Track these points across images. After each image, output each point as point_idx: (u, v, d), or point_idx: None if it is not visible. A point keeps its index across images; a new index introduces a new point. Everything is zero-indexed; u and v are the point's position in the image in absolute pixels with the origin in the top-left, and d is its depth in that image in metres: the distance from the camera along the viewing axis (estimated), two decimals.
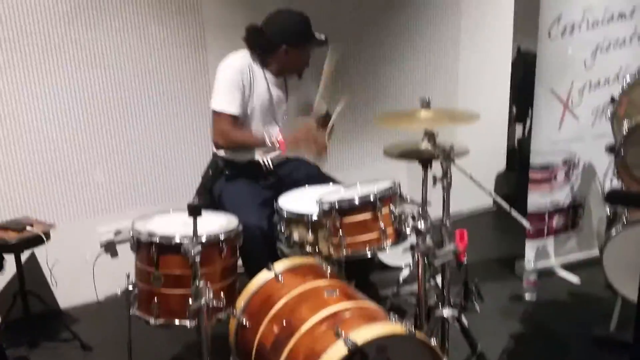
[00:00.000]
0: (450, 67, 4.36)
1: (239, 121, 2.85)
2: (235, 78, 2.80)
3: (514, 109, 4.82)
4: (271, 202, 2.81)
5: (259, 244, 2.68)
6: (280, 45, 2.84)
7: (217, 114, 2.82)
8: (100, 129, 3.33)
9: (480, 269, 3.37)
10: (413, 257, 2.51)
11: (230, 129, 2.81)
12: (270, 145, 2.79)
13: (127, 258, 3.37)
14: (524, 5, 4.45)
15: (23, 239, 2.85)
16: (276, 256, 2.81)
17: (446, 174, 2.39)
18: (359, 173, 4.07)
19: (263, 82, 2.90)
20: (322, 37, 2.90)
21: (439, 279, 2.90)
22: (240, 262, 2.62)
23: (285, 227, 2.61)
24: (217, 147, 2.92)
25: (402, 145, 2.91)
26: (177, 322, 2.36)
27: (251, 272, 2.73)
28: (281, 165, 3.06)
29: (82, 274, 3.37)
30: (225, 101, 2.79)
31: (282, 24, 2.87)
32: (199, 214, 2.02)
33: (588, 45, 3.31)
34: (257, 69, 2.89)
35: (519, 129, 4.94)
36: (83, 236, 3.34)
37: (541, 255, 3.50)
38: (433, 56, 4.28)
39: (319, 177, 3.02)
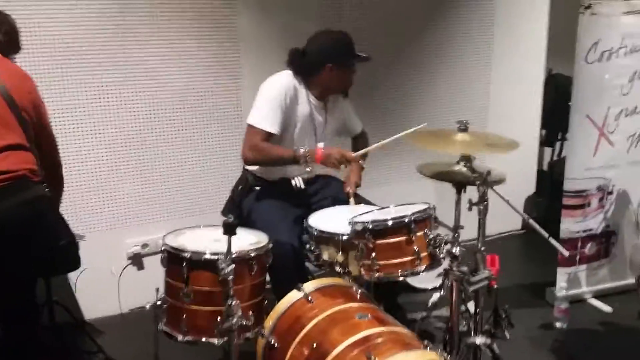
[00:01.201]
0: (482, 88, 4.33)
1: (274, 140, 2.80)
2: (279, 97, 2.76)
3: (544, 132, 4.76)
4: (301, 220, 2.78)
5: (289, 261, 2.65)
6: (324, 64, 2.81)
7: (251, 128, 2.76)
8: (131, 141, 3.34)
9: (510, 295, 3.32)
10: (444, 282, 2.48)
11: (260, 143, 2.75)
12: (303, 156, 2.70)
13: (151, 271, 3.40)
14: (557, 28, 4.41)
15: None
16: (305, 275, 2.78)
17: (483, 199, 2.34)
18: (386, 191, 4.03)
19: (307, 105, 2.87)
20: (364, 54, 2.88)
21: (469, 305, 2.86)
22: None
23: (315, 246, 2.58)
24: (246, 161, 2.85)
25: (435, 165, 2.88)
26: (204, 339, 2.34)
27: (279, 290, 2.70)
28: (311, 183, 3.04)
29: (108, 285, 3.39)
30: (264, 117, 2.74)
31: (325, 44, 2.85)
32: (234, 232, 1.99)
33: (625, 71, 3.26)
34: (302, 90, 2.86)
35: (548, 153, 4.88)
36: (110, 248, 3.34)
37: (573, 283, 3.42)
38: (465, 77, 4.26)
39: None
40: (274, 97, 2.76)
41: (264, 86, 2.84)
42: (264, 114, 2.74)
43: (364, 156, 3.00)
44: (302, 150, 2.72)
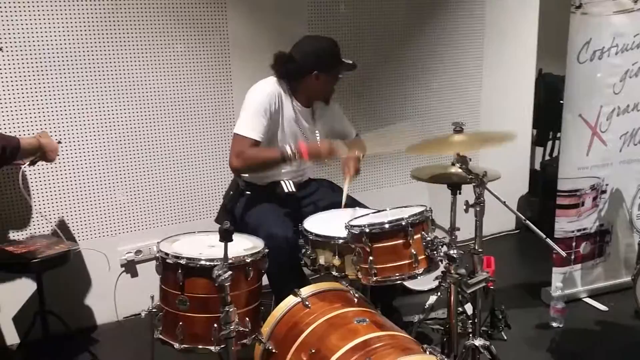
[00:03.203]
0: (473, 89, 4.34)
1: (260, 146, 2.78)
2: (263, 104, 2.75)
3: (535, 132, 4.77)
4: (293, 217, 2.80)
5: (285, 254, 2.64)
6: (311, 71, 2.80)
7: (236, 137, 2.76)
8: (123, 148, 3.31)
9: (506, 296, 3.31)
10: (442, 284, 2.47)
11: (247, 149, 2.73)
12: (290, 154, 2.68)
13: (146, 278, 3.37)
14: (546, 27, 4.43)
15: (44, 259, 2.81)
16: (300, 267, 2.75)
17: (479, 200, 2.34)
18: (380, 194, 4.04)
19: (291, 112, 2.86)
20: (350, 61, 2.88)
21: (466, 307, 2.85)
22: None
23: (311, 251, 2.57)
24: (234, 169, 2.80)
25: (429, 168, 2.88)
26: (201, 346, 2.32)
27: (276, 284, 2.71)
28: (303, 186, 3.03)
29: (102, 293, 3.36)
30: (249, 126, 2.74)
31: (313, 50, 2.83)
32: (231, 238, 1.97)
33: (617, 70, 3.26)
34: (286, 98, 2.85)
35: (539, 152, 4.89)
36: (104, 255, 3.30)
37: (568, 282, 3.43)
38: (457, 79, 4.26)
39: (341, 199, 2.95)
40: (259, 105, 2.75)
41: (249, 94, 2.83)
42: (250, 123, 2.74)
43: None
44: (288, 149, 2.70)
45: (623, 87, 3.30)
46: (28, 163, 2.72)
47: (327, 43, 2.88)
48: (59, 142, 2.74)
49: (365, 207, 2.91)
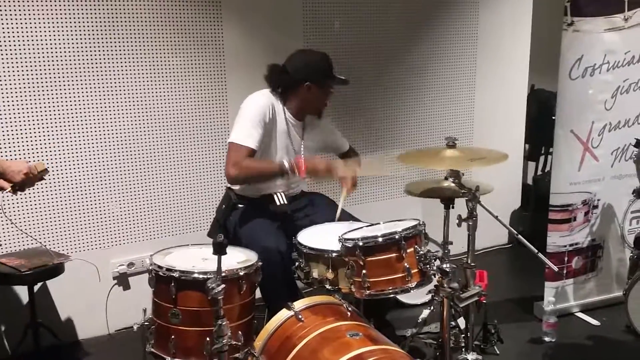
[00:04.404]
0: (466, 105, 4.37)
1: (255, 156, 2.79)
2: (259, 115, 2.77)
3: (527, 147, 4.80)
4: (286, 231, 2.81)
5: (278, 267, 2.64)
6: (302, 82, 2.83)
7: (233, 146, 2.75)
8: (116, 160, 3.31)
9: (498, 310, 3.32)
10: (434, 298, 2.48)
11: (244, 159, 2.72)
12: (288, 168, 2.72)
13: (138, 291, 3.36)
14: (538, 44, 4.47)
15: (37, 271, 2.80)
16: (293, 280, 2.76)
17: (472, 214, 2.35)
18: (374, 208, 4.04)
19: (284, 123, 2.89)
20: (343, 77, 2.91)
21: (459, 321, 2.86)
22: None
23: (304, 264, 2.57)
24: (230, 179, 2.79)
25: (423, 183, 2.91)
26: None
27: (270, 299, 2.70)
28: (295, 200, 3.03)
29: (93, 306, 3.34)
30: (244, 135, 2.74)
31: (305, 62, 2.87)
32: (224, 252, 1.98)
33: (608, 87, 3.30)
34: (279, 110, 2.87)
35: (531, 167, 4.92)
36: (95, 268, 3.29)
37: (560, 297, 3.43)
38: (450, 95, 4.29)
39: (334, 213, 2.96)
40: (254, 115, 2.77)
41: (244, 105, 2.85)
42: (246, 132, 2.74)
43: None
44: (286, 163, 2.73)
45: (614, 103, 3.33)
46: (9, 190, 2.47)
47: (319, 56, 2.92)
48: (46, 170, 2.52)
49: (359, 220, 2.91)
